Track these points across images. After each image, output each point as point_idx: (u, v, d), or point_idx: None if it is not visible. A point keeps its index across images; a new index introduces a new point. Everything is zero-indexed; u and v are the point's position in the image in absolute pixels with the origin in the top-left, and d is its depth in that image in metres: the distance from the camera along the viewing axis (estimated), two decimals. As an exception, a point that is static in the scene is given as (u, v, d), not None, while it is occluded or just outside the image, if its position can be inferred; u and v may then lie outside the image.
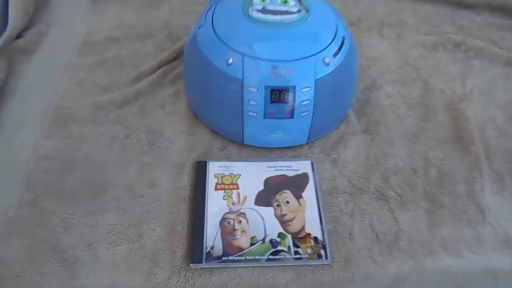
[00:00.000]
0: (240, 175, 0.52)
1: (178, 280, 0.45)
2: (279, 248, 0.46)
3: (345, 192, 0.52)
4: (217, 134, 0.56)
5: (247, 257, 0.45)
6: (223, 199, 0.50)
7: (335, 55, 0.50)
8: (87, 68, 0.64)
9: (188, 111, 0.59)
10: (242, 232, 0.47)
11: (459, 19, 0.76)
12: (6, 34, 0.64)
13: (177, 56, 0.65)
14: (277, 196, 0.50)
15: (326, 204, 0.51)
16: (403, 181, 0.53)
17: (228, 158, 0.54)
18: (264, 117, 0.50)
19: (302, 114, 0.50)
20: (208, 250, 0.45)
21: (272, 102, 0.49)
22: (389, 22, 0.74)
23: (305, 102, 0.49)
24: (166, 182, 0.52)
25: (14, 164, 0.53)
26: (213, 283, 0.45)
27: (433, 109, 0.61)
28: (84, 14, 0.73)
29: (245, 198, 0.50)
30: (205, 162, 0.53)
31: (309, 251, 0.46)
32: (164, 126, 0.57)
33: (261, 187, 0.51)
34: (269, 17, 0.50)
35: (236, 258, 0.45)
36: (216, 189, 0.50)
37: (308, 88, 0.49)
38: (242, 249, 0.46)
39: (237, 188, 0.50)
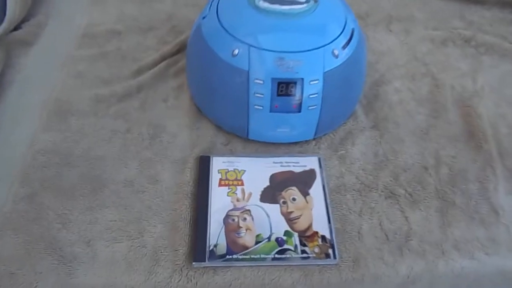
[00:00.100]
0: (244, 170, 0.50)
1: (180, 279, 0.43)
2: (285, 246, 0.44)
3: (353, 190, 0.50)
4: (221, 129, 0.54)
5: (252, 256, 0.44)
6: (227, 195, 0.48)
7: (345, 47, 0.48)
8: (87, 60, 0.62)
9: (191, 105, 0.57)
10: (247, 229, 0.45)
11: (468, 14, 0.74)
12: (3, 26, 0.62)
13: (180, 49, 0.64)
14: (283, 193, 0.48)
15: (333, 202, 0.49)
16: (413, 179, 0.52)
17: (232, 154, 0.53)
18: (271, 111, 0.48)
19: (310, 108, 0.48)
20: (211, 248, 0.44)
21: (279, 95, 0.47)
22: (397, 17, 0.73)
23: (313, 96, 0.48)
24: (168, 177, 0.50)
25: (11, 158, 0.51)
26: (217, 283, 0.43)
27: (443, 105, 0.60)
28: (85, 6, 0.72)
29: (250, 194, 0.48)
30: (209, 157, 0.51)
31: (316, 250, 0.44)
32: (167, 120, 0.56)
33: (267, 184, 0.49)
34: (277, 7, 0.48)
35: (240, 257, 0.43)
36: (220, 185, 0.49)
37: (317, 81, 0.47)
38: (246, 248, 0.44)
39: (241, 184, 0.49)
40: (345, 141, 0.55)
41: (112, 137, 0.53)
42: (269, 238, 0.45)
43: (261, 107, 0.48)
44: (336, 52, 0.47)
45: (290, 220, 0.46)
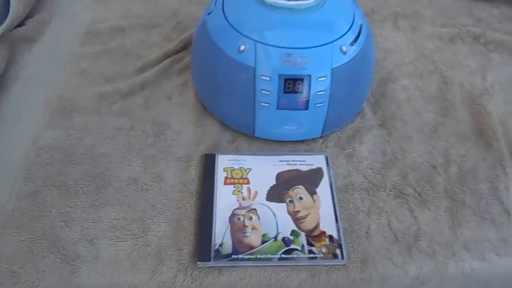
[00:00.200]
0: (250, 169, 0.49)
1: (185, 279, 0.42)
2: (292, 246, 0.43)
3: (361, 189, 0.49)
4: (227, 126, 0.54)
5: (258, 256, 0.43)
6: (233, 194, 0.47)
7: (353, 43, 0.48)
8: (91, 57, 0.62)
9: (196, 102, 0.56)
10: (253, 229, 0.44)
11: (477, 11, 0.73)
12: (7, 22, 0.62)
13: (185, 46, 0.63)
14: (290, 192, 0.48)
15: (341, 201, 0.48)
16: (422, 178, 0.51)
17: (238, 151, 0.52)
18: (277, 108, 0.47)
19: (317, 105, 0.48)
20: (216, 247, 0.43)
21: (285, 92, 0.46)
22: (403, 14, 0.72)
23: (320, 93, 0.47)
24: (173, 175, 0.49)
25: (14, 155, 0.50)
26: (222, 283, 0.42)
27: (452, 103, 0.59)
28: (89, 3, 0.72)
29: (256, 193, 0.47)
30: (214, 155, 0.50)
31: (324, 250, 0.43)
32: (171, 118, 0.55)
33: (273, 182, 0.48)
34: (284, 2, 0.47)
35: (246, 257, 0.43)
36: (225, 183, 0.48)
37: (324, 78, 0.46)
38: (252, 247, 0.43)
39: (247, 182, 0.48)
40: (352, 140, 0.54)
41: (116, 134, 0.53)
42: (275, 237, 0.44)
43: (267, 104, 0.47)
44: (344, 48, 0.47)
45: (297, 220, 0.45)
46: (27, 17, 0.67)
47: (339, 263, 0.43)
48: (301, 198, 0.47)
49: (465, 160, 0.52)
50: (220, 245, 0.43)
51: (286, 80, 0.46)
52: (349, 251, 0.44)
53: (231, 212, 0.46)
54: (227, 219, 0.45)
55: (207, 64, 0.51)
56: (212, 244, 0.43)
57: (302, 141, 0.53)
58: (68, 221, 0.45)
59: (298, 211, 0.46)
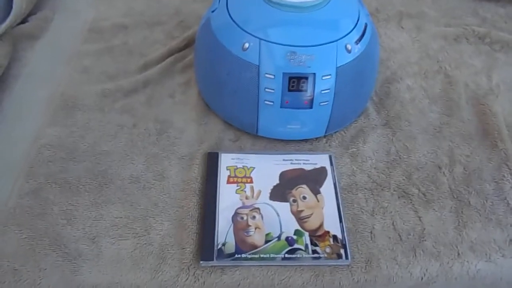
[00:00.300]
0: (254, 168, 0.49)
1: (187, 278, 0.42)
2: (295, 246, 0.43)
3: (365, 189, 0.49)
4: (230, 125, 0.53)
5: (262, 255, 0.42)
6: (236, 193, 0.47)
7: (358, 42, 0.47)
8: (93, 55, 0.62)
9: (199, 100, 0.56)
10: (256, 228, 0.44)
11: (482, 11, 0.73)
12: (10, 19, 0.62)
13: (188, 44, 0.63)
14: (294, 191, 0.47)
15: (345, 201, 0.47)
16: (427, 178, 0.50)
17: (241, 150, 0.51)
18: (281, 107, 0.47)
19: (322, 104, 0.47)
20: (219, 246, 0.43)
21: (290, 90, 0.46)
22: (408, 13, 0.71)
23: (325, 91, 0.46)
24: (175, 174, 0.49)
25: (16, 152, 0.50)
26: (224, 282, 0.42)
27: (457, 103, 0.58)
28: (92, 0, 0.71)
29: (259, 192, 0.47)
30: (217, 153, 0.50)
31: (328, 250, 0.43)
32: (174, 116, 0.55)
33: (276, 181, 0.48)
34: (288, 0, 0.47)
35: (249, 256, 0.42)
36: (228, 182, 0.47)
37: (329, 76, 0.46)
38: (256, 247, 0.43)
39: (250, 181, 0.48)
40: (356, 139, 0.53)
41: (118, 132, 0.52)
42: (279, 237, 0.44)
43: (271, 103, 0.47)
44: (349, 46, 0.46)
45: (300, 219, 0.45)
46: (30, 14, 0.66)
47: (343, 263, 0.43)
48: (304, 198, 0.47)
49: (470, 160, 0.52)
50: (223, 244, 0.43)
51: (290, 78, 0.45)
52: (353, 251, 0.44)
53: (234, 211, 0.45)
54: (230, 218, 0.45)
55: (210, 62, 0.50)
56: (215, 243, 0.43)
57: (306, 140, 0.52)
58: (70, 219, 0.45)
59: (301, 211, 0.46)
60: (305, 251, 0.43)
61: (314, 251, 0.43)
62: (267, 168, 0.49)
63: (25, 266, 0.41)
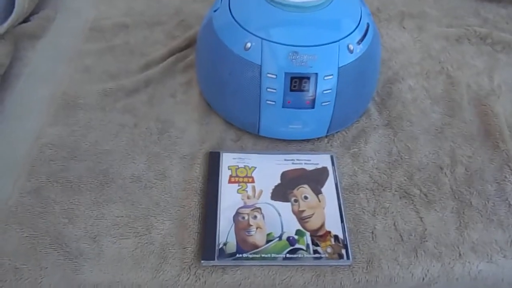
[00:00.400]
0: (255, 167, 0.49)
1: (188, 278, 0.42)
2: (297, 246, 0.43)
3: (367, 189, 0.49)
4: (231, 125, 0.53)
5: (263, 255, 0.42)
6: (237, 192, 0.47)
7: (360, 42, 0.47)
8: (95, 54, 0.62)
9: (201, 100, 0.56)
10: (257, 228, 0.44)
11: (483, 12, 0.73)
12: (12, 18, 0.62)
13: (190, 44, 0.63)
14: (295, 191, 0.47)
15: (346, 201, 0.47)
16: (428, 179, 0.50)
17: (242, 150, 0.51)
18: (283, 107, 0.47)
19: (323, 104, 0.47)
20: (221, 246, 0.43)
21: (291, 90, 0.46)
22: (410, 13, 0.71)
23: (327, 91, 0.46)
24: (177, 173, 0.49)
25: (17, 151, 0.50)
26: (225, 282, 0.42)
27: (458, 104, 0.58)
28: (93, 0, 0.71)
29: (260, 192, 0.47)
30: (218, 153, 0.50)
31: (329, 250, 0.43)
32: (175, 115, 0.54)
33: (278, 181, 0.48)
34: (291, 0, 0.47)
35: (250, 256, 0.42)
36: (230, 181, 0.47)
37: (331, 76, 0.46)
38: (257, 246, 0.43)
39: (252, 181, 0.47)
40: (358, 139, 0.53)
41: (120, 131, 0.52)
42: (280, 237, 0.43)
43: (273, 103, 0.47)
44: (351, 47, 0.46)
45: (302, 219, 0.45)
46: (32, 13, 0.66)
47: (344, 264, 0.43)
48: (306, 198, 0.47)
49: (472, 161, 0.52)
50: (224, 244, 0.43)
51: (292, 78, 0.45)
52: (354, 251, 0.44)
53: (235, 210, 0.45)
54: (232, 218, 0.45)
55: (212, 61, 0.50)
56: (216, 243, 0.43)
57: (307, 140, 0.52)
58: (71, 218, 0.45)
59: (303, 211, 0.46)
60: (306, 251, 0.43)
61: (315, 251, 0.43)
62: (268, 168, 0.49)
63: (26, 264, 0.41)
